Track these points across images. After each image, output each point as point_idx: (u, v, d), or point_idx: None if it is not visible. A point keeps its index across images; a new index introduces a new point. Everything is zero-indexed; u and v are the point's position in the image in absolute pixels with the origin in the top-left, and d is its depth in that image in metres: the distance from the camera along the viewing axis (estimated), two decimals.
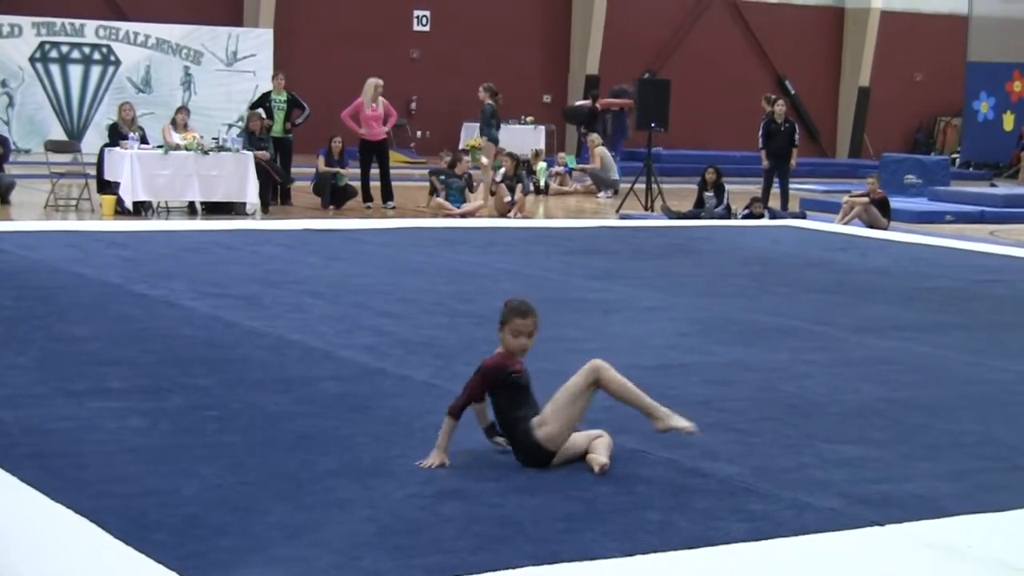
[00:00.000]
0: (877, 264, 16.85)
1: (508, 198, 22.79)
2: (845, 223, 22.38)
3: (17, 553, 5.66)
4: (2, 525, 6.00)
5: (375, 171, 23.53)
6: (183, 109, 23.09)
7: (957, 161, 37.47)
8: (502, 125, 33.29)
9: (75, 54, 31.02)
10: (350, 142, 23.87)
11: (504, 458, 7.32)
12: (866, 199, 22.90)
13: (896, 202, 24.25)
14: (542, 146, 32.01)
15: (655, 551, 5.96)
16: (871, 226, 22.11)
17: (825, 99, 41.82)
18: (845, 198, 23.73)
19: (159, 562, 5.56)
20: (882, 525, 6.49)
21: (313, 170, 24.00)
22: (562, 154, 30.97)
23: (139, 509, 6.24)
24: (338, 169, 23.26)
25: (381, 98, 23.71)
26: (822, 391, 9.32)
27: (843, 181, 32.35)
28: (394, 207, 23.05)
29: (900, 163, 30.20)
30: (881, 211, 22.67)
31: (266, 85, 28.43)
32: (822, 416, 8.63)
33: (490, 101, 25.31)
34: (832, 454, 7.69)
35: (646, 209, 24.54)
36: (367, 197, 23.18)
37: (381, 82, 23.93)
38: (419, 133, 36.01)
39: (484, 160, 24.98)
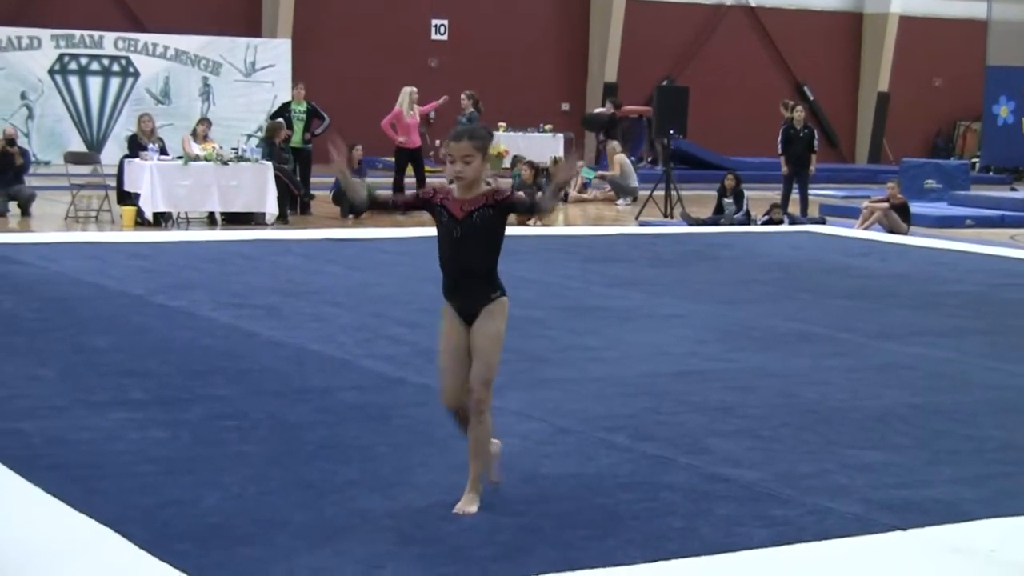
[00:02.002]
0: (897, 269, 16.83)
1: None
2: (865, 228, 22.35)
3: (41, 563, 5.67)
4: (26, 535, 6.01)
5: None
6: (204, 120, 23.14)
7: (977, 165, 37.36)
8: (523, 132, 33.43)
9: (94, 66, 31.08)
10: (372, 152, 24.01)
11: (526, 467, 7.32)
12: (886, 204, 22.86)
13: (916, 207, 24.19)
14: (561, 154, 32.00)
15: (677, 557, 5.96)
16: (891, 231, 22.07)
17: (844, 104, 41.76)
18: (865, 203, 23.69)
19: (182, 571, 5.58)
20: (904, 530, 6.48)
21: (333, 179, 24.00)
22: (581, 162, 30.96)
23: (161, 519, 6.25)
24: (360, 180, 23.29)
25: (416, 105, 24.08)
26: (843, 397, 9.31)
27: (863, 186, 32.29)
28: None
29: (920, 168, 30.13)
30: (901, 216, 22.62)
31: (284, 95, 28.46)
32: (843, 422, 8.61)
33: (472, 109, 25.61)
34: (854, 460, 7.68)
35: (665, 216, 24.52)
36: None
37: (415, 90, 24.26)
38: (438, 142, 35.98)
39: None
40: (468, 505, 6.47)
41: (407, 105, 24.01)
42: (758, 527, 6.43)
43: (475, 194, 6.53)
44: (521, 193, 6.76)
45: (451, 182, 6.73)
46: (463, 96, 26.20)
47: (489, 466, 6.70)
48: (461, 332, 6.54)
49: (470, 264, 6.54)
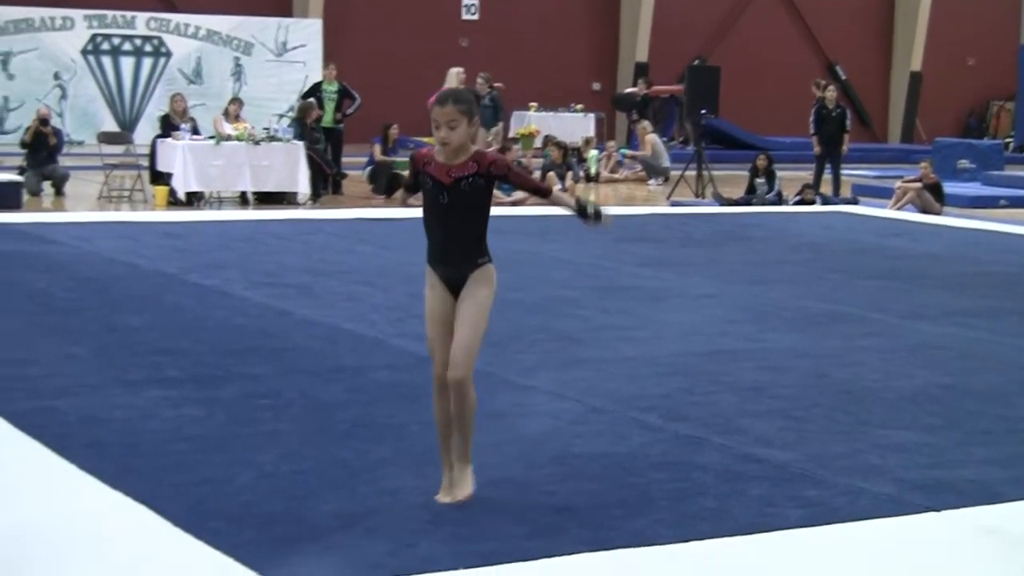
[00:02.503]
0: (930, 250, 16.78)
1: (558, 186, 22.80)
2: (898, 208, 22.29)
3: (77, 540, 5.70)
4: (62, 513, 6.05)
5: None
6: (236, 100, 23.17)
7: (1011, 145, 37.19)
8: (554, 112, 33.37)
9: (126, 46, 31.14)
10: (405, 132, 24.05)
11: (558, 447, 7.33)
12: (919, 184, 22.79)
13: (949, 187, 24.11)
14: (592, 133, 31.97)
15: (710, 537, 5.96)
16: (924, 211, 22.01)
17: (876, 84, 41.61)
18: (898, 183, 23.62)
19: (217, 549, 5.61)
20: (937, 511, 6.47)
21: (366, 159, 24.08)
22: (612, 143, 30.91)
23: (195, 497, 6.28)
24: (394, 158, 23.32)
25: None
26: (875, 377, 9.29)
27: (895, 166, 32.19)
28: None
29: (953, 148, 30.02)
30: (934, 196, 22.56)
31: (316, 75, 28.49)
32: (876, 402, 8.60)
33: (491, 90, 25.58)
34: (886, 440, 7.67)
35: (697, 196, 24.49)
36: None
37: (463, 70, 24.25)
38: None
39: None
40: (461, 489, 6.31)
41: (454, 85, 24.06)
42: (791, 507, 6.43)
43: (462, 159, 6.26)
44: (518, 166, 6.49)
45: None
46: (479, 79, 26.13)
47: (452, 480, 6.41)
48: (445, 300, 6.32)
49: (458, 232, 6.28)
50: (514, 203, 21.55)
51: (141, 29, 31.19)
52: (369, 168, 23.59)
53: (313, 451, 7.08)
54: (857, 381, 9.16)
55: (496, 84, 26.26)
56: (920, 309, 12.14)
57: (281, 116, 28.88)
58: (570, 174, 23.28)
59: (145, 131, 27.78)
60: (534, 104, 33.68)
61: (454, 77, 24.11)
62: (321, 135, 22.89)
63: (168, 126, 21.51)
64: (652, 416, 8.01)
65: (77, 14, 30.62)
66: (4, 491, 6.33)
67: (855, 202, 23.89)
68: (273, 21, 32.54)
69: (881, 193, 25.12)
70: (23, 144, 21.73)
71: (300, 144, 21.39)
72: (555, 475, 6.82)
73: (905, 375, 9.40)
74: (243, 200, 21.43)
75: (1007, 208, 24.62)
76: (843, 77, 39.92)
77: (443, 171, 6.25)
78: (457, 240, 6.29)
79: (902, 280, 13.91)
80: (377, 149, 23.60)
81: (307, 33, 32.65)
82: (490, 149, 23.85)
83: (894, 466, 7.16)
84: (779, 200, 23.21)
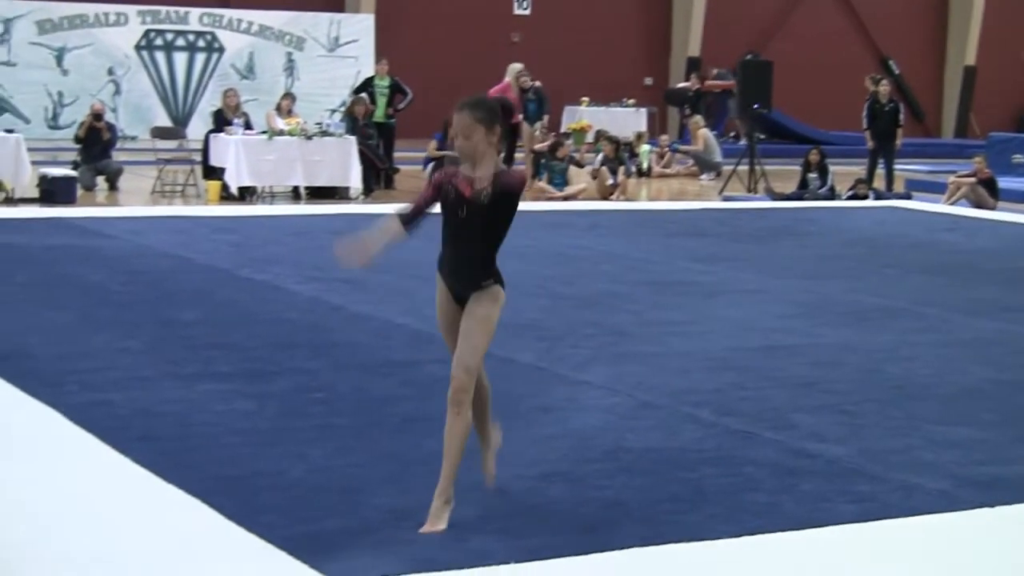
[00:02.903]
0: (984, 245, 16.68)
1: (610, 181, 22.77)
2: (951, 203, 22.17)
3: (131, 533, 5.73)
4: (115, 506, 6.08)
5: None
6: (288, 95, 23.21)
7: None
8: (606, 107, 33.37)
9: (180, 41, 31.29)
10: None
11: (610, 441, 7.33)
12: (973, 179, 22.66)
13: (1004, 182, 23.94)
14: (644, 128, 31.91)
15: (762, 532, 5.95)
16: (978, 206, 21.87)
17: (930, 79, 41.38)
18: (951, 178, 23.49)
19: (269, 542, 5.62)
20: (991, 507, 6.44)
21: (418, 153, 24.12)
22: (664, 137, 30.84)
23: (248, 490, 6.31)
24: (447, 152, 23.33)
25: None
26: (929, 373, 9.25)
27: (949, 161, 31.99)
28: None
29: (1007, 142, 29.80)
30: (988, 191, 22.42)
31: (368, 71, 28.53)
32: (929, 398, 8.56)
33: (537, 83, 25.53)
34: (940, 436, 7.64)
35: (749, 191, 24.41)
36: None
37: (523, 67, 24.31)
38: (520, 116, 35.99)
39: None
40: (435, 523, 5.87)
41: (514, 81, 24.08)
42: (843, 503, 6.41)
43: (486, 172, 5.99)
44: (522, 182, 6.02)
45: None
46: (521, 75, 26.04)
47: (487, 458, 6.37)
48: (452, 310, 6.16)
49: (469, 247, 6.05)
50: (566, 198, 21.54)
51: (194, 25, 31.33)
52: (431, 164, 23.62)
53: (365, 445, 7.10)
54: (910, 376, 9.12)
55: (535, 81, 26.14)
56: (974, 304, 12.07)
57: (333, 111, 28.96)
58: (622, 169, 23.24)
59: (198, 126, 27.90)
60: (586, 99, 33.67)
61: (513, 73, 24.12)
62: (373, 130, 22.93)
63: (221, 121, 21.58)
64: (704, 411, 8.00)
65: (131, 10, 30.78)
66: (58, 484, 6.37)
67: (908, 197, 23.77)
68: (325, 16, 32.63)
69: (934, 188, 24.98)
70: (77, 139, 21.85)
71: (352, 139, 21.43)
72: (607, 470, 6.82)
73: (959, 371, 9.35)
74: (295, 195, 21.49)
75: None
76: (896, 71, 39.71)
77: (466, 184, 6.00)
78: (466, 257, 6.07)
79: (956, 275, 13.83)
80: (433, 145, 23.62)
81: (359, 28, 32.73)
82: (539, 146, 23.84)
83: (948, 462, 7.13)
84: (832, 195, 23.11)
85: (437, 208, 6.10)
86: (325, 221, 16.82)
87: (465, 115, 5.96)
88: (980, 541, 6.03)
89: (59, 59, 30.20)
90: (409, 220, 6.19)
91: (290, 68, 32.13)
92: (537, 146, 24.43)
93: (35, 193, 19.36)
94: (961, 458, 7.21)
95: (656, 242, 15.66)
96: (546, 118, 26.07)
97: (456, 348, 6.11)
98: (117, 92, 30.60)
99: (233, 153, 20.49)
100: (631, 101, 34.68)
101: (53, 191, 19.22)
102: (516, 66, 24.34)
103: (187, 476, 6.43)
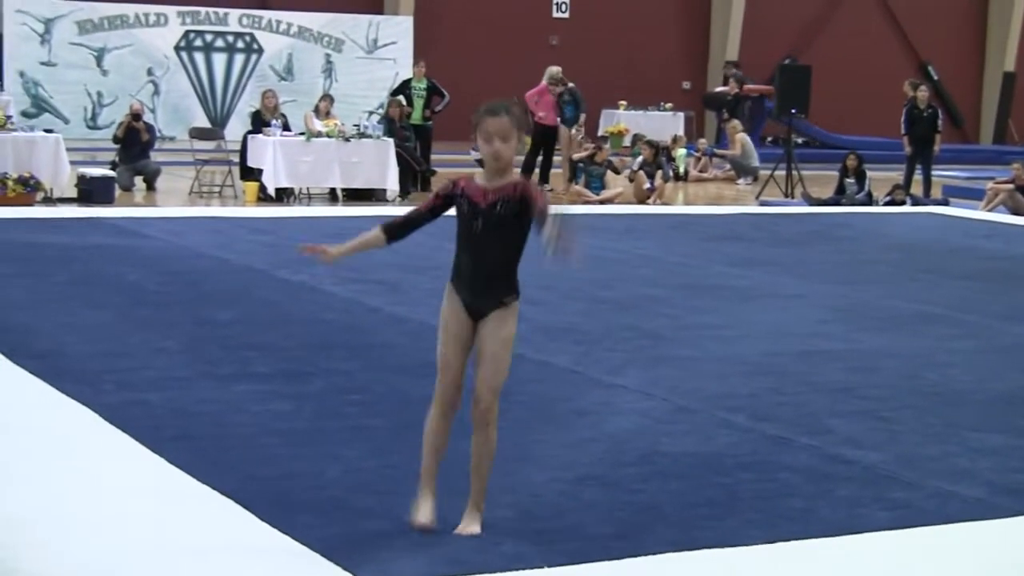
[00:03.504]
0: (1022, 251, 16.60)
1: (647, 185, 22.76)
2: (989, 210, 22.07)
3: (165, 534, 5.74)
4: (151, 506, 6.09)
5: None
6: (327, 97, 23.27)
7: None
8: (644, 111, 33.38)
9: (219, 43, 31.40)
10: None
11: (645, 445, 7.31)
12: (1011, 185, 22.55)
13: None
14: (681, 132, 31.88)
15: (798, 539, 5.92)
16: (1016, 213, 21.77)
17: (969, 84, 41.22)
18: (989, 184, 23.38)
19: (304, 544, 5.63)
20: None
21: (459, 156, 24.16)
22: (703, 140, 30.79)
23: (283, 491, 6.32)
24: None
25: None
26: (967, 379, 9.21)
27: (987, 167, 31.82)
28: (551, 190, 23.15)
29: None
30: None
31: (406, 72, 28.57)
32: (967, 404, 8.53)
33: (570, 84, 25.58)
34: (977, 443, 7.60)
35: (786, 196, 24.36)
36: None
37: (560, 69, 24.44)
38: (557, 120, 35.94)
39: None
40: (469, 526, 5.84)
41: (550, 83, 24.17)
42: (879, 509, 6.38)
43: (504, 182, 5.78)
44: (547, 200, 5.74)
45: (480, 164, 6.06)
46: (555, 75, 26.04)
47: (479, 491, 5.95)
48: (464, 323, 5.89)
49: (488, 261, 5.84)
50: (602, 202, 21.54)
51: (234, 26, 31.43)
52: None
53: (401, 446, 7.09)
54: (948, 383, 9.08)
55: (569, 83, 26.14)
56: (1012, 311, 12.02)
57: (371, 113, 29.00)
58: (659, 173, 23.23)
59: (236, 127, 27.97)
60: (623, 102, 33.63)
61: (548, 75, 24.20)
62: (410, 132, 22.96)
63: (259, 122, 21.64)
64: (740, 416, 7.98)
65: (171, 11, 30.91)
66: (93, 484, 6.39)
67: (946, 203, 23.68)
68: (364, 18, 32.70)
69: (972, 194, 24.87)
70: (115, 139, 21.94)
71: (390, 141, 21.46)
72: (641, 474, 6.81)
73: (997, 377, 9.31)
74: (332, 196, 21.54)
75: None
76: (935, 77, 39.57)
77: (480, 193, 5.79)
78: (487, 271, 5.86)
79: (994, 281, 13.77)
80: None
81: (398, 30, 32.78)
82: (578, 155, 23.83)
83: (985, 469, 7.09)
84: (869, 200, 23.04)
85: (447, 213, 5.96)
86: (362, 223, 16.71)
87: (504, 119, 5.76)
88: (1017, 549, 6.00)
89: (99, 59, 30.34)
90: (395, 229, 6.18)
91: (328, 70, 32.20)
92: (576, 155, 24.48)
93: (73, 193, 19.44)
94: (998, 465, 7.18)
95: (693, 246, 15.64)
96: (583, 118, 26.08)
97: (480, 370, 5.85)
98: (156, 92, 30.73)
99: (271, 154, 20.53)
100: (668, 105, 34.64)
101: (91, 191, 19.31)
102: (554, 69, 24.39)
103: (222, 477, 6.45)
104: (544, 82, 24.20)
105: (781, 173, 24.88)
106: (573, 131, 25.25)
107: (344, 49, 32.33)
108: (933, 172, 25.31)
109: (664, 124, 32.98)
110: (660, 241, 15.86)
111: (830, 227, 18.36)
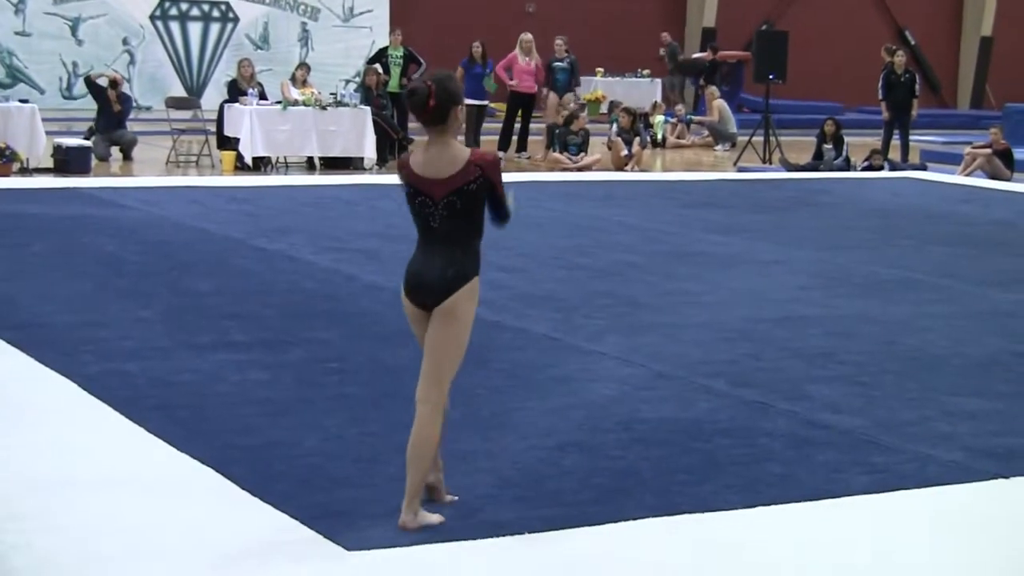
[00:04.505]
0: (1000, 216, 16.63)
1: (625, 152, 22.72)
2: (967, 175, 22.09)
3: (145, 503, 5.74)
4: (131, 475, 6.09)
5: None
6: (303, 65, 23.19)
7: None
8: (621, 78, 33.35)
9: (194, 11, 31.24)
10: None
11: (624, 412, 7.32)
12: (989, 150, 22.57)
13: (1020, 153, 23.83)
14: (659, 99, 31.83)
15: (776, 503, 5.95)
16: (994, 178, 21.79)
17: (946, 49, 41.19)
18: (967, 149, 23.40)
19: (283, 512, 5.64)
20: (1006, 477, 6.44)
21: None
22: (680, 107, 30.76)
23: (263, 460, 6.32)
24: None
25: (535, 53, 24.07)
26: (944, 344, 9.23)
27: (965, 132, 31.86)
28: (529, 158, 23.14)
29: (1023, 113, 29.69)
30: (1004, 162, 22.32)
31: (382, 41, 28.46)
32: (945, 369, 8.55)
33: (571, 55, 25.57)
34: (955, 407, 7.63)
35: (764, 162, 24.34)
36: (504, 146, 23.19)
37: (531, 37, 24.35)
38: (535, 87, 35.85)
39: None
40: (409, 520, 5.54)
41: (523, 51, 24.09)
42: (858, 474, 6.41)
43: (455, 169, 5.69)
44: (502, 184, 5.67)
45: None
46: (558, 41, 26.02)
47: (437, 483, 5.86)
48: (418, 315, 5.95)
49: (449, 253, 5.70)
50: (580, 168, 21.50)
51: None
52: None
53: (380, 415, 7.11)
54: (926, 348, 9.11)
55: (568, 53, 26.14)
56: (990, 276, 12.04)
57: (347, 81, 28.92)
58: (637, 140, 23.18)
59: (213, 96, 27.84)
60: (600, 69, 33.55)
61: (523, 43, 24.14)
62: (387, 100, 22.90)
63: (235, 91, 21.54)
64: (719, 382, 7.99)
65: None
66: (75, 453, 6.38)
67: (924, 168, 23.70)
68: None
69: (950, 159, 24.88)
70: (87, 81, 22.06)
71: (367, 109, 21.40)
72: (621, 440, 6.82)
73: (975, 342, 9.33)
74: (310, 165, 21.47)
75: None
76: (913, 42, 39.55)
77: (431, 186, 5.77)
78: (446, 261, 5.70)
79: (972, 247, 13.80)
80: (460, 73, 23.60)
81: None
82: (580, 118, 23.76)
83: (963, 433, 7.12)
84: (847, 166, 23.04)
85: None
86: (339, 191, 16.82)
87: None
88: (994, 512, 6.03)
89: (74, 29, 30.16)
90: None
91: (304, 38, 32.06)
92: (549, 122, 24.45)
93: (50, 163, 19.35)
94: (976, 429, 7.20)
95: (671, 213, 15.64)
96: (578, 90, 26.13)
97: (424, 361, 5.89)
98: (132, 62, 30.55)
99: (247, 123, 20.46)
100: (646, 72, 34.58)
101: (68, 161, 19.22)
102: (525, 36, 24.34)
103: (202, 446, 6.45)
104: (515, 51, 24.14)
105: (759, 139, 24.87)
106: (565, 98, 25.19)
107: (320, 17, 32.18)
108: (911, 137, 25.31)
109: (642, 91, 32.92)
110: (638, 208, 15.85)
111: (808, 193, 18.37)
